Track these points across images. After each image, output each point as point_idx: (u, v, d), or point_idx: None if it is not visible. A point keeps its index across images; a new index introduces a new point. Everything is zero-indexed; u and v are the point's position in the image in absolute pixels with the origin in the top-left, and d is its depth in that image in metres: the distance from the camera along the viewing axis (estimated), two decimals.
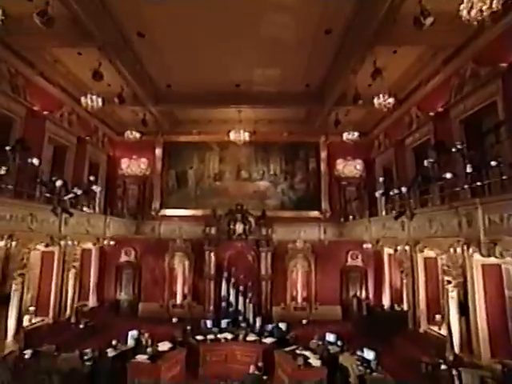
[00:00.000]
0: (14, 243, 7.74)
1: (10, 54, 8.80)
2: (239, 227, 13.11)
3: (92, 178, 11.53)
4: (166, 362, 7.25)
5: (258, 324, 10.19)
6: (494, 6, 4.54)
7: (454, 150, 7.81)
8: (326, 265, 13.43)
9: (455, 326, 7.57)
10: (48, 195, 9.29)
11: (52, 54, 9.48)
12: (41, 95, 10.27)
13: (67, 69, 10.39)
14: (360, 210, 13.70)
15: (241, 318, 11.05)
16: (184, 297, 13.23)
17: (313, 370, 7.04)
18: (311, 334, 8.79)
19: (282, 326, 9.89)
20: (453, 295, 7.67)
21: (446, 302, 7.92)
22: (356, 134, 12.51)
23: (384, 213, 11.96)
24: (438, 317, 9.01)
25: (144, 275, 13.68)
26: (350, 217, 14.16)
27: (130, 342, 8.35)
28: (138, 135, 13.32)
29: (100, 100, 9.38)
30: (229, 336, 9.01)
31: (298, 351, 7.78)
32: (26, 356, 7.11)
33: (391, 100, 9.04)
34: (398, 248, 10.12)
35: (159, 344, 7.97)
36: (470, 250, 7.00)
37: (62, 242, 9.78)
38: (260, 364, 6.46)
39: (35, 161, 8.18)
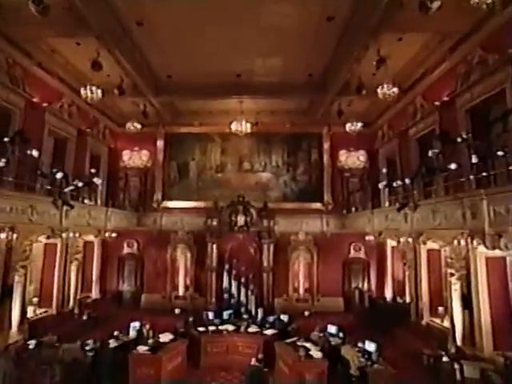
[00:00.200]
0: (15, 235, 7.76)
1: (6, 44, 8.67)
2: (241, 219, 13.06)
3: (93, 171, 11.50)
4: (167, 353, 7.28)
5: (259, 316, 10.20)
6: None
7: (459, 139, 7.64)
8: (329, 257, 13.39)
9: (458, 319, 7.53)
10: (48, 187, 9.28)
11: (49, 43, 9.34)
12: (40, 86, 10.17)
13: (66, 59, 10.25)
14: (363, 202, 13.60)
15: (243, 309, 11.07)
16: (186, 288, 13.29)
17: (313, 362, 7.03)
18: (313, 326, 8.77)
19: (284, 317, 9.89)
20: (456, 288, 7.61)
21: (449, 295, 7.87)
22: (359, 124, 12.32)
23: (387, 204, 11.84)
24: (440, 309, 8.95)
25: (146, 267, 13.75)
26: (353, 208, 14.06)
27: (132, 333, 8.40)
28: (139, 126, 13.22)
29: (100, 91, 9.25)
30: (230, 327, 9.02)
31: (298, 343, 7.76)
32: (30, 346, 7.21)
33: (395, 89, 8.83)
34: (401, 240, 10.02)
35: (160, 335, 8.00)
36: (474, 243, 6.91)
37: (64, 235, 9.80)
38: (260, 356, 6.44)
39: (35, 152, 8.14)
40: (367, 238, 12.44)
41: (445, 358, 7.10)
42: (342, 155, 15.07)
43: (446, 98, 9.46)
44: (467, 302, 7.33)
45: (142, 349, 7.31)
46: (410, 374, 7.52)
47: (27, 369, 6.11)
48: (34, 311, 9.54)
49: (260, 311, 10.40)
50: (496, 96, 7.65)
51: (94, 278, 12.89)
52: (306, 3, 8.04)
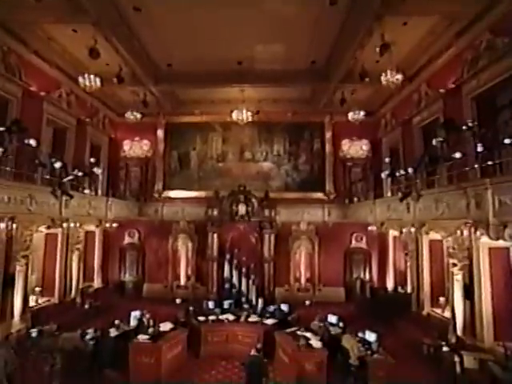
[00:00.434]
0: (15, 225, 7.76)
1: (0, 31, 8.50)
2: (242, 209, 12.98)
3: (93, 160, 11.42)
4: (167, 342, 7.32)
5: (259, 305, 10.22)
6: None
7: (464, 127, 7.44)
8: (330, 247, 13.35)
9: (459, 309, 7.49)
10: (48, 177, 9.23)
11: (45, 30, 9.15)
12: (37, 75, 10.03)
13: (63, 47, 10.07)
14: (365, 192, 13.47)
15: (243, 299, 11.09)
16: (188, 278, 13.34)
17: (313, 351, 7.04)
18: (313, 316, 8.78)
19: (284, 307, 9.90)
20: (458, 278, 7.55)
21: (451, 285, 7.80)
22: (362, 113, 12.13)
23: (389, 194, 11.70)
24: (441, 299, 8.91)
25: (148, 257, 13.80)
26: (355, 198, 13.95)
27: (133, 323, 8.45)
28: (139, 116, 13.10)
29: (98, 80, 9.12)
30: (230, 317, 9.05)
31: (298, 332, 7.77)
32: (33, 335, 7.27)
33: (399, 76, 8.60)
34: (403, 230, 9.94)
35: (161, 324, 8.04)
36: (478, 233, 6.82)
37: (64, 225, 9.80)
38: (259, 346, 6.44)
39: (32, 142, 8.04)
40: (369, 228, 12.38)
41: (445, 348, 7.08)
42: (345, 144, 14.89)
43: (451, 85, 9.22)
44: (469, 292, 7.27)
45: (142, 338, 7.35)
46: (410, 363, 7.53)
47: (28, 357, 6.15)
48: (37, 300, 9.63)
49: (260, 301, 10.42)
50: (504, 82, 7.42)
51: (95, 267, 12.95)
52: None
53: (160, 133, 15.24)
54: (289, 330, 8.10)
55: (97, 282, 12.86)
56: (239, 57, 11.11)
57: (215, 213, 13.12)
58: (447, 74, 9.47)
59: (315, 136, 15.03)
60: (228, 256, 12.41)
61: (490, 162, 6.72)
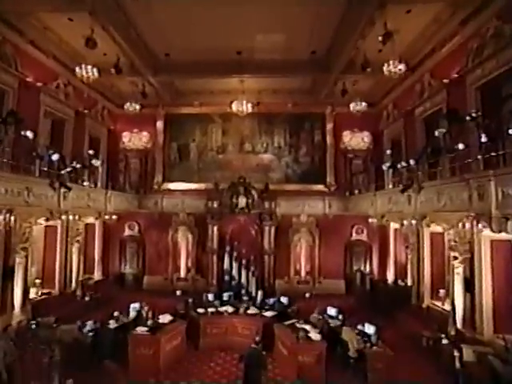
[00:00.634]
0: (13, 218, 7.71)
1: None
2: (242, 201, 12.90)
3: (91, 152, 11.33)
4: (165, 334, 7.34)
5: (259, 297, 10.22)
6: None
7: (468, 118, 7.29)
8: (331, 239, 13.28)
9: (459, 302, 7.44)
10: (46, 170, 9.15)
11: (41, 20, 8.99)
12: (33, 65, 9.86)
13: (59, 37, 9.92)
14: (366, 184, 13.36)
15: (243, 291, 11.10)
16: (188, 270, 13.34)
17: (312, 344, 7.03)
18: (313, 308, 8.78)
19: (284, 299, 9.90)
20: (458, 271, 7.49)
21: (451, 278, 7.75)
22: (364, 104, 11.96)
23: (390, 186, 11.59)
24: (441, 292, 8.87)
25: (148, 249, 13.78)
26: (356, 191, 13.84)
27: (132, 315, 8.47)
28: (137, 107, 12.94)
29: (95, 70, 8.96)
30: (230, 309, 9.05)
31: (298, 325, 7.77)
32: (33, 327, 7.29)
33: (402, 66, 8.41)
34: (404, 223, 9.85)
35: (160, 316, 8.06)
36: (480, 225, 6.72)
37: (63, 217, 9.76)
38: (258, 338, 6.43)
39: (29, 133, 7.95)
40: (370, 220, 12.29)
41: (444, 341, 7.07)
42: (346, 136, 14.72)
43: (455, 75, 9.02)
44: (469, 285, 7.22)
45: (141, 329, 7.37)
46: (410, 356, 7.52)
47: (26, 349, 6.17)
48: (37, 292, 9.67)
49: (260, 293, 10.42)
50: (510, 71, 7.21)
51: (96, 259, 12.96)
52: None
53: (159, 124, 15.11)
54: (288, 323, 8.09)
55: (97, 274, 12.87)
56: (239, 46, 10.91)
57: (215, 205, 13.04)
58: (451, 63, 9.25)
59: (316, 127, 14.85)
60: (228, 248, 12.38)
61: (493, 153, 6.59)
